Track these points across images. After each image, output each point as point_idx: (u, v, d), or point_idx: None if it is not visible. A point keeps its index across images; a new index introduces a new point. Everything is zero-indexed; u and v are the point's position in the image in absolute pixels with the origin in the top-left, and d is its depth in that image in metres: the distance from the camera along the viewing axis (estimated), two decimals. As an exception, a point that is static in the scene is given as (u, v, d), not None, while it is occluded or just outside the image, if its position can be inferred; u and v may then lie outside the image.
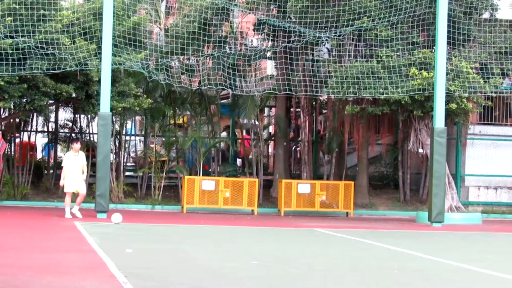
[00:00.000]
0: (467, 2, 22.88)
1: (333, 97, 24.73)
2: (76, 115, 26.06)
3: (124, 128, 26.32)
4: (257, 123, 26.99)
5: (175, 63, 24.29)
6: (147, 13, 24.03)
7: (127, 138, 27.09)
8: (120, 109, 22.16)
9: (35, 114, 24.75)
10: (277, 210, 24.30)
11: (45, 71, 20.94)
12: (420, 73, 21.94)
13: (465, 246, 17.43)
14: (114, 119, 24.00)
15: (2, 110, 24.16)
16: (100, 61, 20.40)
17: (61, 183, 19.93)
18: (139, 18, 22.63)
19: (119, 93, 22.29)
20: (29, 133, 26.48)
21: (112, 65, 20.36)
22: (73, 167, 19.72)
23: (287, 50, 23.29)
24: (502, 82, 23.81)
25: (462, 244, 17.76)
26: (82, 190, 19.80)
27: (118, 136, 25.44)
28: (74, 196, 19.99)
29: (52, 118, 26.07)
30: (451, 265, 13.13)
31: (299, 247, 15.45)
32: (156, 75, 22.44)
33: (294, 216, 23.66)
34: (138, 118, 28.79)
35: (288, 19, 23.82)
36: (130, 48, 21.75)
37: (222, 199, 23.57)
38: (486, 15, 23.95)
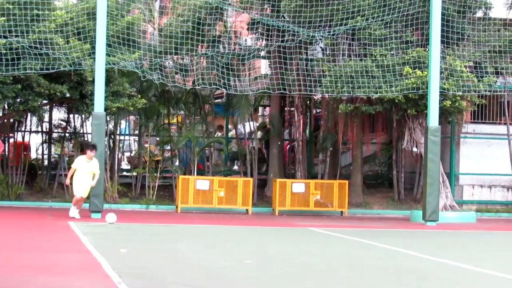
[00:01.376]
0: (460, 0, 22.92)
1: (327, 96, 24.76)
2: (70, 115, 25.98)
3: (118, 128, 26.30)
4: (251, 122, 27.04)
5: (169, 63, 24.25)
6: (140, 13, 24.00)
7: (121, 138, 27.08)
8: (114, 109, 22.13)
9: (29, 114, 24.69)
10: (271, 209, 24.30)
11: (39, 71, 20.90)
12: (414, 71, 21.98)
13: (460, 245, 17.45)
14: (108, 119, 23.96)
15: (-4, 110, 24.12)
16: (94, 61, 20.37)
17: (67, 181, 19.78)
18: (133, 18, 22.61)
19: (113, 93, 22.26)
20: (23, 133, 26.42)
21: (106, 65, 20.34)
22: (83, 172, 19.45)
23: (281, 49, 23.28)
24: (496, 81, 23.86)
25: (457, 243, 17.78)
26: (84, 194, 19.59)
27: (112, 136, 25.42)
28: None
29: (46, 118, 26.01)
30: (447, 264, 13.14)
31: (294, 247, 15.45)
32: (150, 74, 22.42)
33: (288, 215, 23.66)
34: (132, 117, 28.75)
35: (282, 18, 23.82)
36: (124, 47, 21.72)
37: (217, 199, 23.56)
38: (479, 13, 24.00)
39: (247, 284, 10.56)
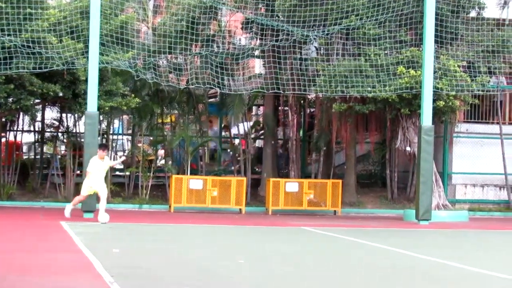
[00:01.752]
0: (454, 0, 22.92)
1: (321, 96, 24.73)
2: (62, 114, 25.89)
3: (112, 127, 26.22)
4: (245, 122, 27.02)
5: (162, 62, 24.21)
6: (134, 12, 23.94)
7: (115, 137, 27.01)
8: (107, 108, 22.07)
9: (21, 113, 24.61)
10: (265, 209, 24.26)
11: (32, 70, 20.84)
12: (408, 71, 21.97)
13: (452, 243, 17.47)
14: (101, 118, 23.90)
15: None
16: (87, 60, 20.31)
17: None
18: (127, 17, 22.54)
19: (106, 92, 22.20)
20: (15, 132, 26.33)
21: (99, 64, 20.29)
22: (97, 172, 19.11)
23: (275, 48, 23.25)
24: (489, 80, 23.85)
25: (449, 242, 17.80)
26: (103, 192, 19.07)
27: (105, 135, 25.35)
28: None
29: (39, 118, 25.93)
30: (439, 263, 13.16)
31: (288, 246, 15.42)
32: (144, 74, 22.37)
33: (282, 214, 23.62)
34: (125, 117, 28.69)
35: (276, 17, 23.80)
36: (118, 47, 21.66)
37: (210, 198, 23.51)
38: (473, 13, 24.00)
39: (241, 284, 10.54)
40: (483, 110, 26.43)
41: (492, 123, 26.47)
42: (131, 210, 23.86)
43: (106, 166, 19.48)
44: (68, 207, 19.40)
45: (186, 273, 11.24)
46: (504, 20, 24.68)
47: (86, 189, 19.21)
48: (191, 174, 24.99)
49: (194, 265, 12.15)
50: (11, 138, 26.31)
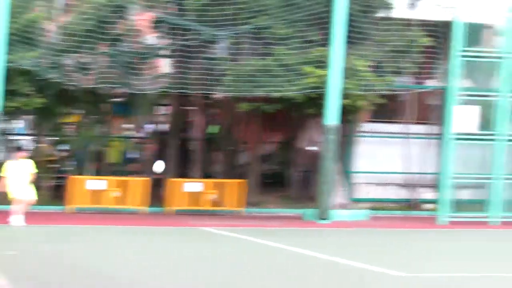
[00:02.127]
0: (363, 0, 23.17)
1: (228, 95, 24.79)
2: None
3: (14, 128, 25.81)
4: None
5: (69, 61, 23.94)
6: (42, 11, 23.59)
7: (17, 137, 26.56)
8: (9, 108, 21.73)
9: None
10: (166, 209, 24.02)
11: None
12: (314, 71, 22.12)
13: (348, 242, 17.80)
14: (3, 118, 23.47)
15: None
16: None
17: (1, 189, 19.07)
18: (35, 16, 22.25)
19: (10, 92, 21.86)
20: None
21: (5, 63, 19.98)
22: (15, 176, 18.91)
23: (184, 48, 23.21)
24: (395, 80, 24.15)
25: (345, 241, 18.15)
26: (28, 196, 19.02)
27: (7, 136, 24.88)
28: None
29: None
30: (331, 261, 13.44)
31: (188, 248, 15.53)
32: (49, 73, 22.12)
33: (184, 215, 23.45)
34: (29, 116, 28.20)
35: (186, 17, 23.74)
36: (23, 45, 21.37)
37: (112, 199, 23.27)
38: (382, 13, 24.27)
39: (133, 285, 10.62)
40: (388, 109, 26.74)
41: (396, 122, 26.84)
42: (30, 211, 23.32)
43: (30, 169, 19.04)
44: (16, 218, 18.83)
45: (79, 276, 11.25)
46: (410, 20, 24.93)
47: (13, 192, 18.89)
48: (96, 174, 24.74)
49: (88, 267, 12.17)
50: None
